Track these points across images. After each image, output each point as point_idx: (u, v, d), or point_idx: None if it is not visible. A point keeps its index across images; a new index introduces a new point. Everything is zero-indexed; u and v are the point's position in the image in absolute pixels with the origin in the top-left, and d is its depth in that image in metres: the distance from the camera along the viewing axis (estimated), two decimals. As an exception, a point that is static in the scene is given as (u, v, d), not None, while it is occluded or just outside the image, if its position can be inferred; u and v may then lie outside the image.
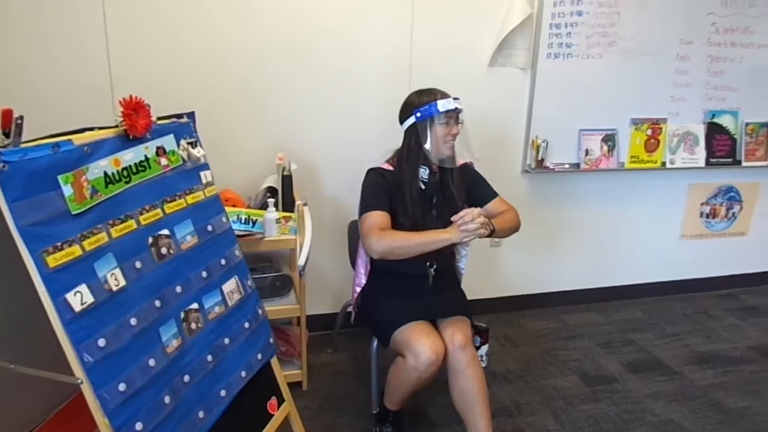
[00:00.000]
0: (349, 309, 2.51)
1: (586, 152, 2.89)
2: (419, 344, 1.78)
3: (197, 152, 1.57)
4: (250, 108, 2.44)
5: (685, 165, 3.08)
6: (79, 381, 1.09)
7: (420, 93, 1.96)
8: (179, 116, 1.60)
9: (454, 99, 1.92)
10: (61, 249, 1.10)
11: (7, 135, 1.08)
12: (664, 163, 3.03)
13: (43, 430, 1.54)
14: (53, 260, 1.08)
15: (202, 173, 1.59)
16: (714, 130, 3.09)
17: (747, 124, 3.15)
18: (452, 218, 1.79)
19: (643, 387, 2.48)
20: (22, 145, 1.09)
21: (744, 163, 3.18)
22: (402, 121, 1.99)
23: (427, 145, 1.93)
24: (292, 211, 2.25)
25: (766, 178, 3.35)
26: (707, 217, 3.36)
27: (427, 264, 1.98)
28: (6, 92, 2.07)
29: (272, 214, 2.14)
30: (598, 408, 2.32)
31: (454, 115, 1.93)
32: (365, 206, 1.94)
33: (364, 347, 2.67)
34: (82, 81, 2.20)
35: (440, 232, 1.80)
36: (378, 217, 1.89)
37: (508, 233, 1.98)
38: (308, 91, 2.49)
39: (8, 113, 1.08)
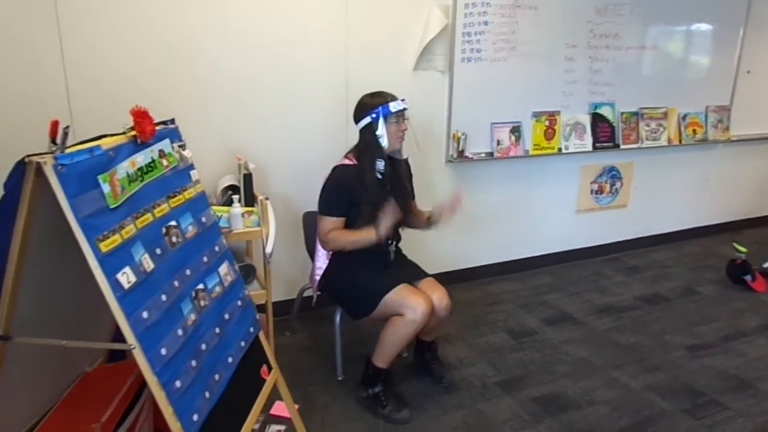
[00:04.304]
0: (306, 294, 2.77)
1: (498, 142, 3.35)
2: (414, 301, 2.13)
3: (187, 154, 1.77)
4: (203, 113, 2.62)
5: (577, 150, 3.64)
6: (132, 346, 1.29)
7: (372, 95, 2.27)
8: (165, 123, 1.79)
9: (402, 100, 2.25)
10: (108, 237, 1.29)
11: (54, 142, 1.26)
12: (560, 149, 3.57)
13: (54, 414, 1.68)
14: (104, 246, 1.27)
15: (191, 172, 1.81)
16: (597, 120, 3.69)
17: (622, 114, 3.78)
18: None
19: (557, 336, 2.98)
20: (66, 151, 1.27)
21: (622, 146, 3.82)
22: (357, 120, 2.29)
23: (384, 141, 2.25)
24: (253, 206, 2.47)
25: (639, 157, 4.03)
26: (596, 193, 3.97)
27: (388, 242, 2.31)
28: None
29: (237, 209, 2.35)
30: (525, 355, 2.77)
31: (402, 114, 2.27)
32: (324, 210, 2.26)
33: (320, 327, 2.95)
34: (37, 91, 2.29)
35: (367, 232, 2.18)
36: (331, 224, 2.23)
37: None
38: (258, 96, 2.71)
39: (56, 124, 1.26)
